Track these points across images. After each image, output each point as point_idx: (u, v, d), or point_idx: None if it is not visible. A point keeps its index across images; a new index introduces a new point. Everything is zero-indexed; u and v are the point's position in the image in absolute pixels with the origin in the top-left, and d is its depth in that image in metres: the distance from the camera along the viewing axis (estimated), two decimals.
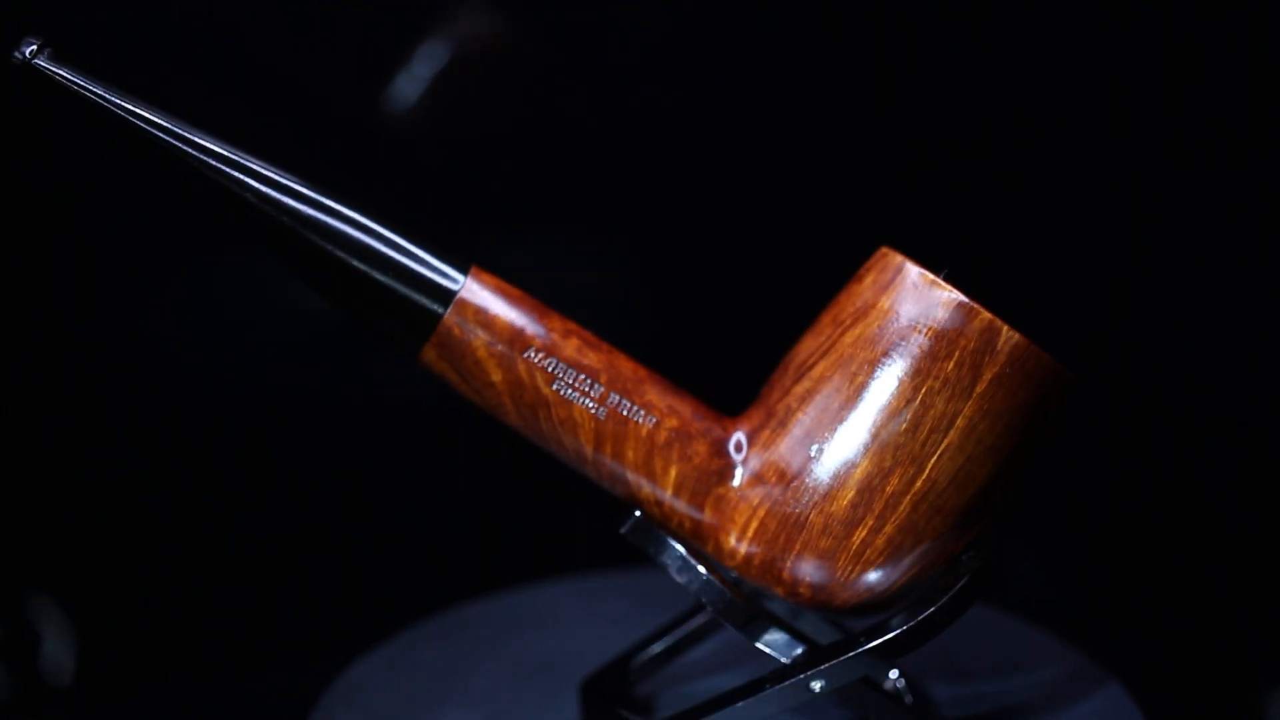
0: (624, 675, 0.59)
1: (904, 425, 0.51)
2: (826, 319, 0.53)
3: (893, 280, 0.52)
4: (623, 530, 0.53)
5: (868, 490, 0.51)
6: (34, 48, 0.46)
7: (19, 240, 0.79)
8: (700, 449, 0.52)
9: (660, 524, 0.53)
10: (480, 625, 0.67)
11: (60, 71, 0.47)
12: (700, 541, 0.53)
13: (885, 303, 0.52)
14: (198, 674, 0.79)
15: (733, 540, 0.52)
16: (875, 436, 0.51)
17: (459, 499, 0.85)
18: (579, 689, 0.59)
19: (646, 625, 0.63)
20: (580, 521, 0.79)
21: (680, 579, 0.53)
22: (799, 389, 0.52)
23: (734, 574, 0.53)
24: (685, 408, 0.53)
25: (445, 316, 0.50)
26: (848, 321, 0.52)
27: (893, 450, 0.51)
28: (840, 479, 0.51)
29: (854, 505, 0.51)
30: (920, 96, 0.84)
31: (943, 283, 0.51)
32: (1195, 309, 0.82)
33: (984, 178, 0.84)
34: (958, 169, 0.84)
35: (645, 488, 0.52)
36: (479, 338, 0.50)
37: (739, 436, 0.53)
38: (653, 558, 0.53)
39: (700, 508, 0.52)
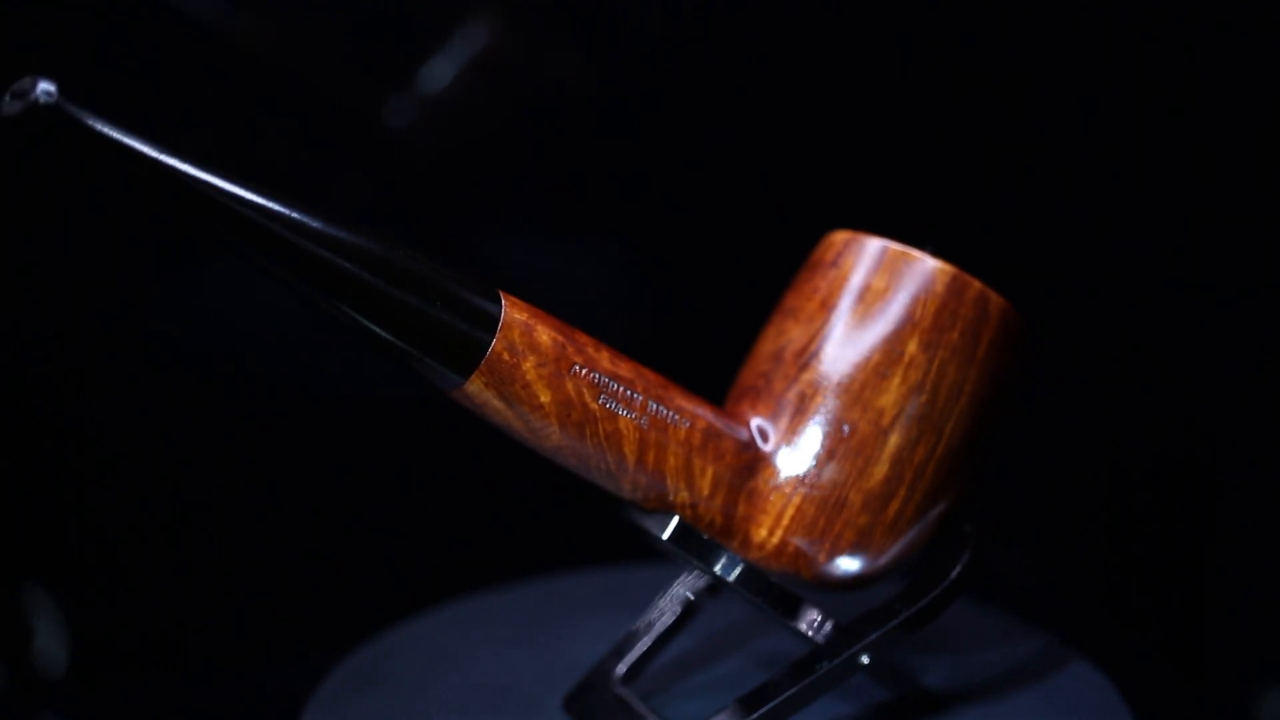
0: (608, 685, 0.58)
1: (924, 396, 0.52)
2: (812, 305, 0.54)
3: (880, 260, 0.53)
4: (665, 536, 0.52)
5: (899, 463, 0.52)
6: (52, 89, 0.40)
7: (20, 234, 0.79)
8: (729, 446, 0.53)
9: (691, 525, 0.53)
10: (388, 666, 0.64)
11: (104, 127, 0.41)
12: (727, 537, 0.53)
13: (879, 282, 0.53)
14: (189, 667, 0.79)
15: (764, 531, 0.53)
16: (902, 410, 0.52)
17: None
18: (564, 706, 0.59)
19: (546, 645, 0.64)
20: (427, 553, 0.80)
21: (725, 575, 0.53)
22: (808, 375, 0.53)
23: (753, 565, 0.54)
24: (705, 407, 0.53)
25: (495, 343, 0.48)
26: (841, 305, 0.53)
27: (917, 421, 0.52)
28: (874, 455, 0.52)
29: (887, 479, 0.52)
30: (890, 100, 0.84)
31: (934, 258, 0.53)
32: (1163, 299, 0.83)
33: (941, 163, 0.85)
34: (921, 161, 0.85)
35: (682, 491, 0.52)
36: (529, 360, 0.49)
37: (761, 427, 0.54)
38: (694, 558, 0.53)
39: (734, 504, 0.53)
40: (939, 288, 0.53)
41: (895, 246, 0.53)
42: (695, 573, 0.59)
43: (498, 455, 0.74)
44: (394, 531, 0.85)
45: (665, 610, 0.59)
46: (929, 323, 0.52)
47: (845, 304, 0.53)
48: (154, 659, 0.79)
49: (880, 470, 0.52)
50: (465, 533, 0.85)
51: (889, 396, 0.52)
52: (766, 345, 0.55)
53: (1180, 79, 0.80)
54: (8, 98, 0.40)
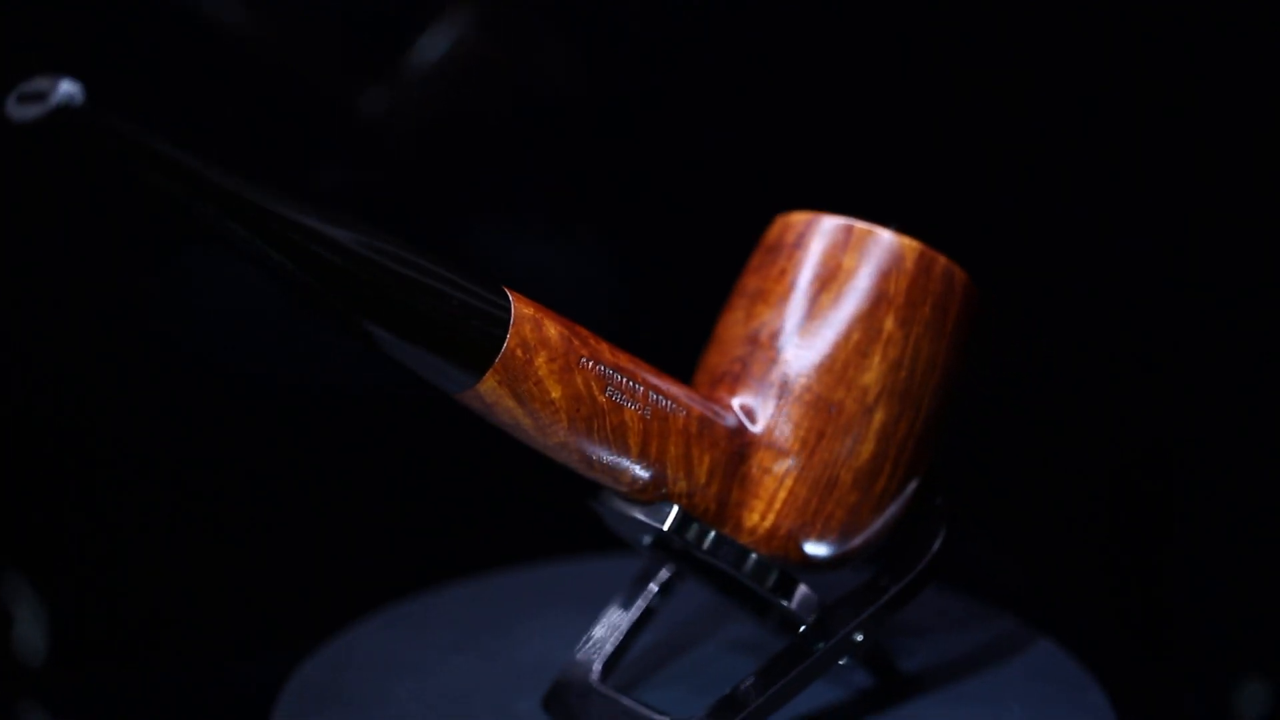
0: (587, 682, 0.57)
1: (903, 372, 0.52)
2: (781, 287, 0.54)
3: (847, 239, 0.53)
4: (666, 527, 0.52)
5: (885, 439, 0.52)
6: (77, 91, 0.36)
7: (19, 230, 0.79)
8: (721, 433, 0.52)
9: (689, 514, 0.53)
10: (340, 680, 0.61)
11: (144, 137, 0.38)
12: (720, 524, 0.53)
13: (849, 261, 0.53)
14: (168, 656, 0.79)
15: (756, 516, 0.53)
16: (884, 387, 0.52)
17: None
18: (544, 708, 0.58)
19: (492, 647, 0.63)
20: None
21: (722, 563, 0.53)
22: (790, 357, 0.53)
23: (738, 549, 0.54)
24: (694, 395, 0.52)
25: (508, 341, 0.47)
26: (814, 287, 0.53)
27: (899, 397, 0.52)
28: (861, 433, 0.52)
29: (874, 456, 0.52)
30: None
31: (903, 235, 0.53)
32: (1161, 298, 0.82)
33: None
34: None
35: (681, 481, 0.51)
36: (540, 355, 0.48)
37: (746, 412, 0.53)
38: (694, 546, 0.52)
39: (728, 490, 0.52)
40: (909, 264, 0.53)
41: (860, 225, 0.54)
42: (657, 562, 0.58)
43: (425, 456, 0.74)
44: (348, 528, 0.84)
45: (631, 602, 0.58)
46: (903, 299, 0.53)
47: (817, 285, 0.53)
48: (133, 648, 0.79)
49: (867, 448, 0.52)
50: (381, 535, 0.84)
51: (871, 374, 0.52)
52: (736, 330, 0.55)
53: (1180, 79, 0.80)
54: (14, 100, 0.36)
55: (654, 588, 0.58)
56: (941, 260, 0.53)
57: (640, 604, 0.58)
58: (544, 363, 0.48)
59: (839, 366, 0.52)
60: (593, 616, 0.61)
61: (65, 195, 0.79)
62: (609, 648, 0.58)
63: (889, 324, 0.52)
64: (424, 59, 0.83)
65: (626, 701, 0.55)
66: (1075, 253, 0.84)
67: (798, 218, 0.55)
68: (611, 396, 0.49)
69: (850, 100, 0.85)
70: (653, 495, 0.52)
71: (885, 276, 0.53)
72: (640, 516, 0.53)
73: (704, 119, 0.87)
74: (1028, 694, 0.58)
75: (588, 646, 0.58)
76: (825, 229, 0.54)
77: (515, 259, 0.88)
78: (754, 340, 0.54)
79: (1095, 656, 0.61)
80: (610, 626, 0.58)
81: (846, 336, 0.53)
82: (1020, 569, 0.84)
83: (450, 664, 0.62)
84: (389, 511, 0.85)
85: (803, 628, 0.54)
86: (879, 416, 0.52)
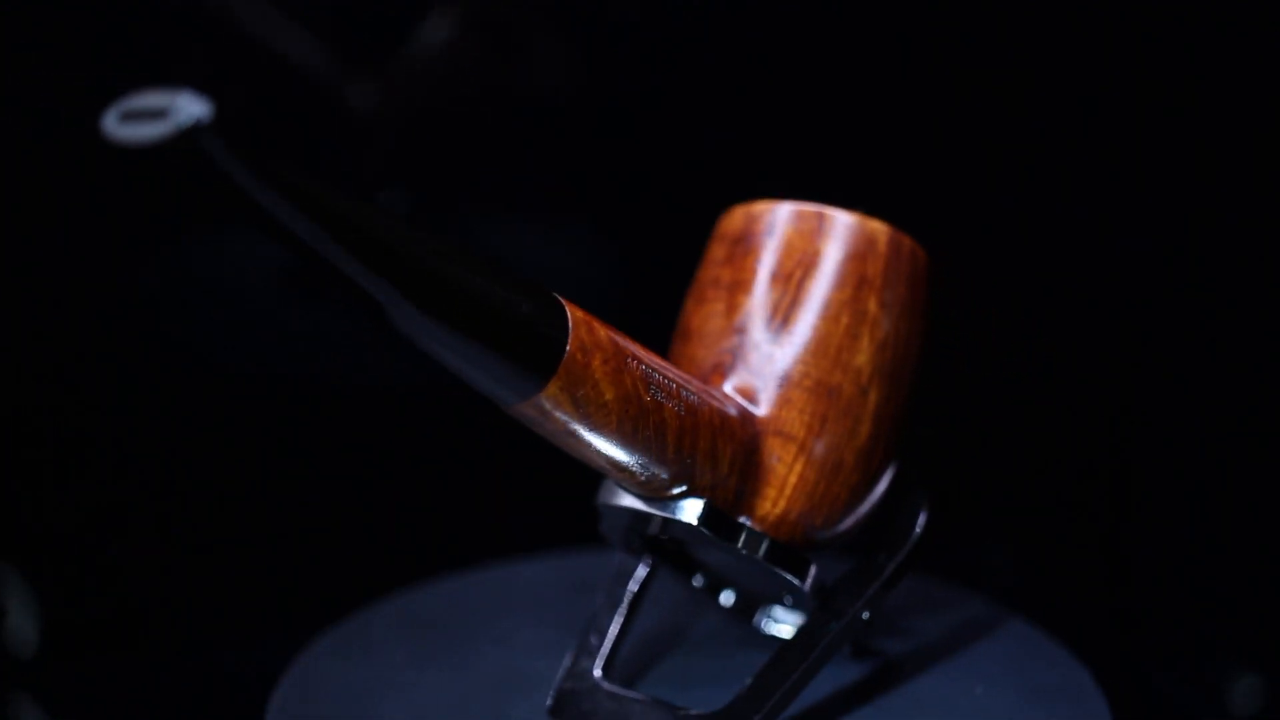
0: (591, 683, 0.56)
1: (889, 351, 0.53)
2: (759, 277, 0.54)
3: (819, 225, 0.54)
4: (696, 522, 0.51)
5: (879, 418, 0.53)
6: (203, 111, 0.32)
7: (19, 229, 0.79)
8: (734, 424, 0.52)
9: (714, 507, 0.52)
10: (316, 712, 0.58)
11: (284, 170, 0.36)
12: (736, 513, 0.53)
13: (824, 246, 0.54)
14: (160, 647, 0.78)
15: (769, 503, 0.53)
16: (875, 367, 0.53)
17: None
18: (551, 714, 0.56)
19: (456, 659, 0.61)
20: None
21: (748, 551, 0.52)
22: (783, 345, 0.53)
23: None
24: (706, 388, 0.52)
25: (569, 345, 0.46)
26: (798, 274, 0.53)
27: (887, 376, 0.53)
28: (860, 414, 0.53)
29: (871, 436, 0.53)
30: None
31: (870, 218, 0.54)
32: (1160, 298, 0.82)
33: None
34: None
35: (707, 474, 0.51)
36: (596, 358, 0.47)
37: (747, 402, 0.53)
38: (721, 539, 0.52)
39: (745, 480, 0.52)
40: (881, 246, 0.54)
41: (828, 210, 0.54)
42: (633, 558, 0.58)
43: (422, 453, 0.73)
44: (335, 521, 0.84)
45: (616, 601, 0.58)
46: (880, 280, 0.53)
47: (800, 272, 0.54)
48: (124, 640, 0.78)
49: (865, 428, 0.53)
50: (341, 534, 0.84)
51: (863, 355, 0.53)
52: (717, 322, 0.55)
53: (1180, 79, 0.80)
54: (116, 118, 0.32)
55: (636, 584, 0.58)
56: (908, 241, 0.54)
57: (626, 602, 0.58)
58: (599, 365, 0.47)
59: (833, 351, 0.53)
60: (536, 621, 0.60)
61: (65, 193, 0.79)
62: (606, 646, 0.57)
63: (872, 306, 0.53)
64: (420, 56, 0.83)
65: (640, 695, 0.55)
66: (1074, 252, 0.83)
67: (761, 207, 0.55)
68: (654, 395, 0.49)
69: (850, 101, 0.85)
70: (671, 491, 0.51)
71: (862, 259, 0.53)
72: (664, 513, 0.52)
73: (704, 119, 0.87)
74: (1005, 658, 0.59)
75: (580, 650, 0.57)
76: (795, 216, 0.54)
77: (515, 259, 0.88)
78: (741, 330, 0.54)
79: (1072, 636, 0.62)
80: (599, 628, 0.58)
81: (836, 320, 0.53)
82: (1000, 555, 0.84)
83: (425, 681, 0.60)
84: (357, 509, 0.85)
85: (779, 608, 0.57)
86: (873, 396, 0.53)
